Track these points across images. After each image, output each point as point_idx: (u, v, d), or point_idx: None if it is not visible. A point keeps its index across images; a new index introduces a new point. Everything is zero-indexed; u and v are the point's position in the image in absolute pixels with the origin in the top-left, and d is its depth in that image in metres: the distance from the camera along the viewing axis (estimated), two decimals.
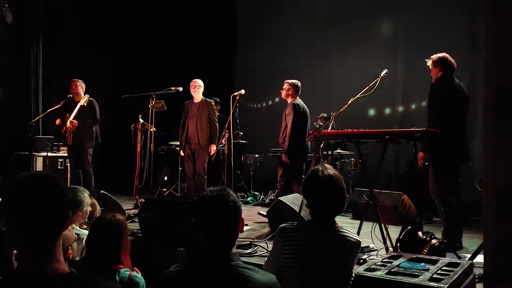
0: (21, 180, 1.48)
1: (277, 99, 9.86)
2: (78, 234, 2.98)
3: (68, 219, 1.50)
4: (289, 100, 6.39)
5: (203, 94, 6.76)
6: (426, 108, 4.90)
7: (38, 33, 8.74)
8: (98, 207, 3.66)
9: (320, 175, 2.57)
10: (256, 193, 8.28)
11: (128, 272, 2.41)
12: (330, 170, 2.62)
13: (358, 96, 4.57)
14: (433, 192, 4.71)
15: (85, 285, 1.45)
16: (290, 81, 6.43)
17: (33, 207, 1.41)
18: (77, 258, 2.60)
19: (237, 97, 6.73)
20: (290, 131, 6.17)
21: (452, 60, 4.67)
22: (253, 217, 6.05)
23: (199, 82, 6.70)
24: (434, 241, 3.69)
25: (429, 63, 4.75)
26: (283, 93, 6.45)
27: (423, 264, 2.90)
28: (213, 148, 6.59)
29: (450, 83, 4.62)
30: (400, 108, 8.55)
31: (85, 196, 3.41)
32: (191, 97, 6.76)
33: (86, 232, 2.94)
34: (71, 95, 6.91)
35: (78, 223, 3.31)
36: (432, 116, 4.61)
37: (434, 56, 4.72)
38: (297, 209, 4.56)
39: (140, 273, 2.51)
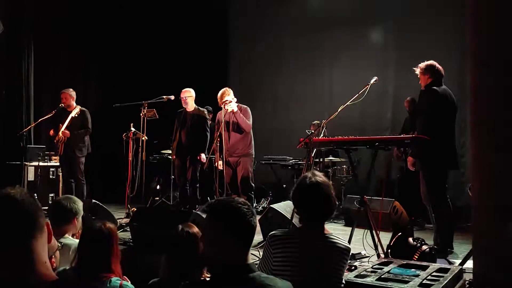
0: None
1: (269, 108, 9.90)
2: (61, 243, 2.96)
3: (40, 226, 1.51)
4: (237, 106, 6.06)
5: (196, 102, 6.75)
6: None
7: (29, 43, 8.72)
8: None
9: (307, 182, 2.58)
10: None
11: (119, 281, 2.40)
12: (319, 177, 2.62)
13: (348, 103, 4.60)
14: (425, 199, 4.74)
15: None
16: (228, 88, 6.14)
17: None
18: (67, 267, 2.59)
19: None
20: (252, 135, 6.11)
21: (440, 67, 4.73)
22: None
23: (188, 93, 6.62)
24: (424, 247, 3.71)
25: (418, 71, 4.80)
26: (233, 102, 6.02)
27: (413, 270, 2.90)
28: (202, 157, 6.56)
29: (440, 90, 4.66)
30: (391, 115, 8.59)
31: (80, 205, 3.39)
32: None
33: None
34: (62, 105, 6.90)
35: (71, 233, 3.29)
36: (421, 122, 4.65)
37: (422, 64, 4.77)
38: (288, 216, 4.58)
39: (129, 282, 2.50)
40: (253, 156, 6.22)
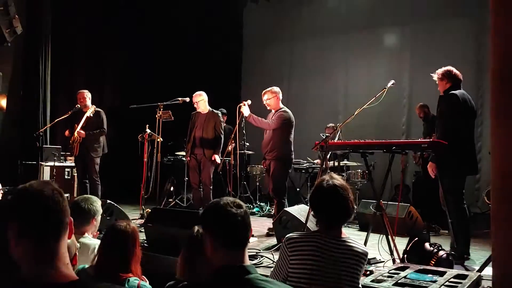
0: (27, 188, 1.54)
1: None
2: (79, 243, 2.98)
3: (66, 225, 1.51)
4: (278, 108, 6.04)
5: (210, 105, 6.76)
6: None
7: (46, 43, 8.81)
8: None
9: (325, 185, 2.56)
10: (262, 204, 8.25)
11: (137, 281, 2.41)
12: (337, 180, 2.60)
13: (364, 106, 4.57)
14: (443, 203, 4.69)
15: None
16: (272, 88, 6.07)
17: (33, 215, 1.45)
18: (87, 266, 2.61)
19: None
20: (286, 138, 5.96)
21: (457, 72, 4.69)
22: (259, 228, 6.04)
23: (199, 97, 6.59)
24: (441, 252, 3.68)
25: (435, 77, 4.76)
26: (272, 102, 6.02)
27: (430, 275, 2.88)
28: (216, 158, 6.53)
29: (459, 95, 4.61)
30: (407, 119, 8.54)
31: (98, 205, 3.42)
32: None
33: (98, 241, 2.94)
34: (79, 106, 6.96)
35: (90, 233, 3.32)
36: (442, 127, 4.60)
37: (439, 70, 4.74)
38: (303, 219, 4.56)
39: (148, 282, 2.51)
40: (288, 160, 5.99)
